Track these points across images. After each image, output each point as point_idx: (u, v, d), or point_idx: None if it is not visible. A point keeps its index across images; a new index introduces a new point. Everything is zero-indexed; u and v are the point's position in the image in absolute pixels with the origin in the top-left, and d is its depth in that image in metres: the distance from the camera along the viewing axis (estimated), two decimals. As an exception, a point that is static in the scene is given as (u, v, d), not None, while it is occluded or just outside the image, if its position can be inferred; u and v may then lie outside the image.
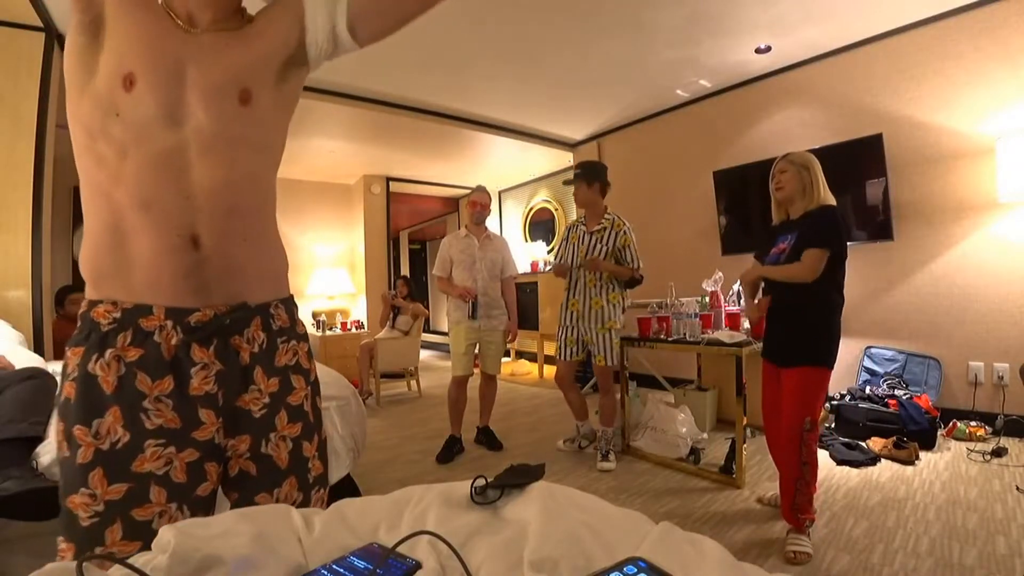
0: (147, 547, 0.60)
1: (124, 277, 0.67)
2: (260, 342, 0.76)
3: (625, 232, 2.68)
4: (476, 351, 2.97)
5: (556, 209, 6.19)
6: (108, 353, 0.66)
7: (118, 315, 0.67)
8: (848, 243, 1.78)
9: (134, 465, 0.65)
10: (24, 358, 1.98)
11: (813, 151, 3.18)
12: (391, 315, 4.81)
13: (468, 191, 7.06)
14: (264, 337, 0.76)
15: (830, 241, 1.70)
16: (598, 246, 2.70)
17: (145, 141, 0.66)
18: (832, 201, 1.80)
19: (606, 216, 2.75)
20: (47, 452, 1.33)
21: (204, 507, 0.71)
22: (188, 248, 0.68)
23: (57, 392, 0.69)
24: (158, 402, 0.67)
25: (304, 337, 0.85)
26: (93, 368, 0.66)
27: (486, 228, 3.09)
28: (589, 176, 2.76)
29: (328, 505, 0.70)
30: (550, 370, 4.98)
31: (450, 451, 2.86)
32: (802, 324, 1.78)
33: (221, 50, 0.72)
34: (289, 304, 0.83)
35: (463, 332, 2.91)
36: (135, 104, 0.65)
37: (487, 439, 3.03)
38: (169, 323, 0.68)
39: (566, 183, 2.88)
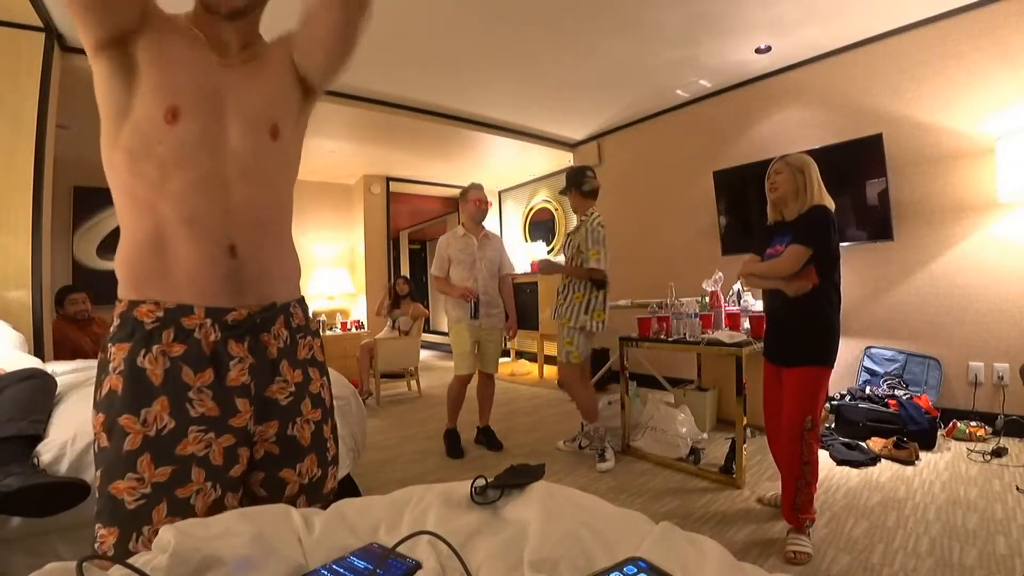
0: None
1: (166, 280, 0.75)
2: (284, 338, 0.85)
3: (587, 228, 2.66)
4: (476, 350, 2.98)
5: (556, 209, 6.19)
6: (155, 348, 0.73)
7: (161, 314, 0.74)
8: (841, 244, 1.79)
9: (178, 449, 0.72)
10: (24, 363, 1.98)
11: (813, 151, 3.21)
12: (389, 306, 4.80)
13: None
14: (287, 334, 0.85)
15: (815, 240, 1.71)
16: (569, 247, 2.76)
17: (188, 165, 0.74)
18: (828, 202, 1.80)
19: (583, 216, 2.76)
20: (48, 450, 1.33)
21: (234, 487, 0.78)
22: (226, 256, 0.77)
23: (96, 386, 0.75)
24: (200, 392, 0.74)
25: (317, 333, 0.94)
26: (142, 362, 0.73)
27: (483, 227, 3.08)
28: (569, 183, 2.82)
29: (333, 495, 0.75)
30: (550, 370, 4.98)
31: (456, 445, 2.90)
32: (801, 324, 1.79)
33: (252, 85, 0.81)
34: (303, 304, 0.93)
35: (466, 331, 2.91)
36: (179, 135, 0.73)
37: (487, 439, 3.03)
38: (208, 321, 0.76)
39: (562, 193, 2.90)
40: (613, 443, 2.87)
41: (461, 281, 2.92)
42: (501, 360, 3.17)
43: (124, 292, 0.76)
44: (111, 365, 0.74)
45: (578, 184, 2.78)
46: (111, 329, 0.76)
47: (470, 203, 3.01)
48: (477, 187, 3.06)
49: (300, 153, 0.93)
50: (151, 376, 0.72)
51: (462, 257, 2.95)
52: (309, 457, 0.86)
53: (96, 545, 0.71)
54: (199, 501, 0.72)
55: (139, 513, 0.69)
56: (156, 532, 0.64)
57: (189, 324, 0.75)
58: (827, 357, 1.76)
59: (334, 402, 1.83)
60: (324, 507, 0.72)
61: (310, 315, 0.94)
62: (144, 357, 0.73)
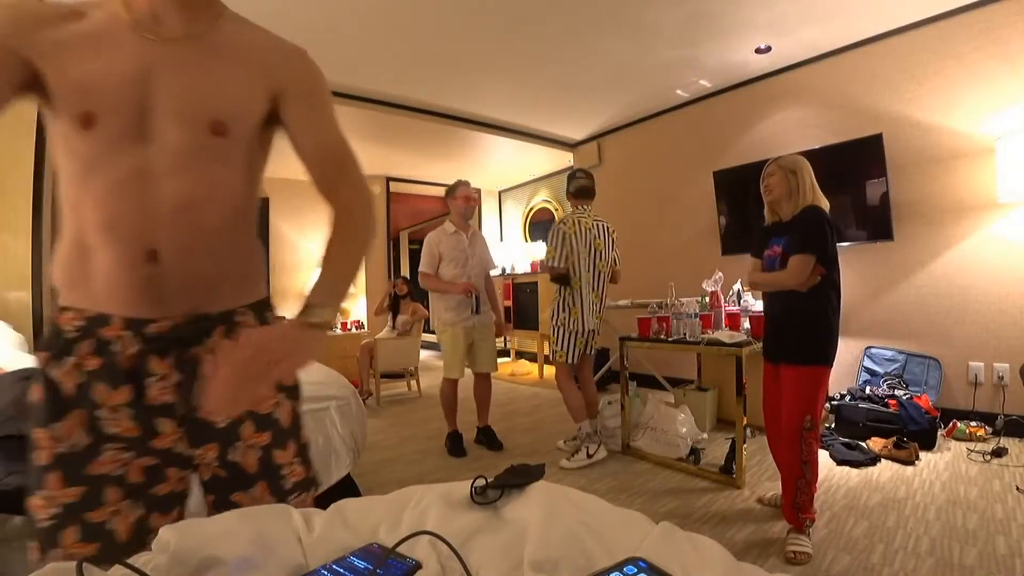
0: (103, 548, 0.66)
1: (88, 287, 0.68)
2: None
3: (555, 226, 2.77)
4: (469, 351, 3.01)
5: (556, 209, 6.20)
6: (69, 361, 0.67)
7: (82, 323, 0.68)
8: (841, 244, 1.80)
9: (89, 468, 0.66)
10: (24, 362, 1.98)
11: (813, 151, 3.21)
12: (389, 307, 4.80)
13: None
14: None
15: (814, 246, 1.72)
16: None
17: (107, 167, 0.66)
18: (822, 203, 1.81)
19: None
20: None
21: (163, 507, 0.71)
22: (146, 262, 0.67)
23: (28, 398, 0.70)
24: (115, 412, 0.68)
25: None
26: (55, 374, 0.67)
27: (470, 224, 3.05)
28: (568, 191, 2.89)
29: (321, 506, 0.70)
30: (550, 370, 4.98)
31: (459, 445, 2.92)
32: (800, 323, 1.79)
33: (190, 69, 0.69)
34: (260, 308, 0.81)
35: (461, 334, 2.91)
36: (97, 137, 0.65)
37: (487, 439, 3.03)
38: (127, 333, 0.68)
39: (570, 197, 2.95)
40: (612, 443, 2.88)
41: (453, 279, 2.89)
42: (501, 360, 3.19)
43: (59, 297, 0.71)
44: (36, 375, 0.69)
45: (567, 185, 2.88)
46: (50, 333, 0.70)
47: (459, 200, 2.96)
48: (465, 184, 3.01)
49: (265, 159, 0.82)
50: (63, 389, 0.67)
51: (454, 255, 2.91)
52: (259, 485, 0.76)
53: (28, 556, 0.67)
54: (119, 524, 0.66)
55: (49, 533, 0.65)
56: (69, 556, 0.62)
57: (107, 335, 0.67)
58: (826, 357, 1.77)
59: (333, 403, 1.78)
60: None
61: (270, 319, 0.83)
62: (58, 369, 0.67)
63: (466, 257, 2.92)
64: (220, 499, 0.76)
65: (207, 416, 0.62)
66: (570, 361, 2.75)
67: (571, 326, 2.71)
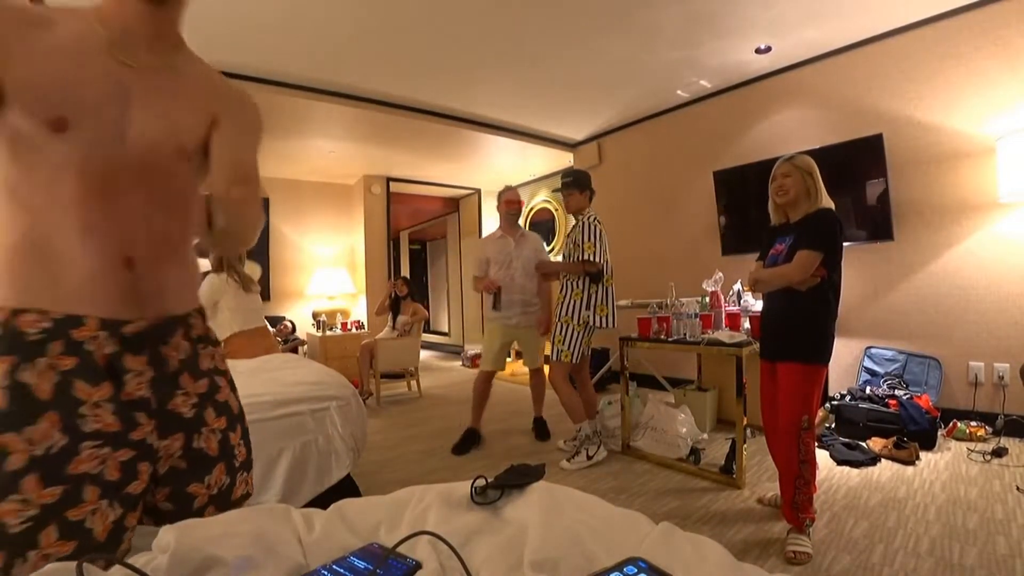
0: (82, 545, 0.67)
1: (54, 289, 0.69)
2: (185, 349, 0.82)
3: (582, 224, 2.72)
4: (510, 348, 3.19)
5: (556, 209, 6.20)
6: (41, 362, 0.67)
7: (48, 325, 0.68)
8: (845, 244, 1.79)
9: (69, 467, 0.67)
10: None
11: (813, 151, 3.20)
12: (389, 308, 4.80)
13: (468, 191, 7.08)
14: (188, 345, 0.83)
15: (824, 243, 1.72)
16: (568, 246, 2.82)
17: (81, 173, 0.68)
18: (830, 204, 1.81)
19: (579, 216, 2.82)
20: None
21: (133, 506, 0.73)
22: (123, 269, 0.72)
23: None
24: (96, 407, 0.70)
25: (217, 342, 0.92)
26: (25, 377, 0.67)
27: (520, 227, 3.23)
28: (581, 184, 2.86)
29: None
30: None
31: (466, 443, 2.97)
32: (796, 322, 1.79)
33: (165, 99, 0.76)
34: (202, 313, 0.90)
35: (498, 330, 3.07)
36: (70, 142, 0.67)
37: (538, 429, 3.18)
38: (103, 333, 0.71)
39: (556, 191, 2.97)
40: (612, 443, 2.88)
41: (498, 280, 3.06)
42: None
43: (2, 298, 0.69)
44: (16, 379, 0.67)
45: (588, 184, 2.86)
46: None
47: (501, 204, 3.18)
48: (507, 189, 3.21)
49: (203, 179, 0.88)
50: (36, 392, 0.67)
51: (500, 258, 3.09)
52: (217, 467, 0.84)
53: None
54: (96, 523, 0.68)
55: (25, 536, 0.64)
56: (45, 557, 0.63)
57: (79, 336, 0.69)
58: (821, 355, 1.77)
59: (333, 403, 1.80)
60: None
61: (207, 324, 0.91)
62: (27, 371, 0.67)
63: (510, 259, 3.07)
64: (176, 490, 0.79)
65: (216, 190, 0.73)
66: (574, 361, 2.75)
67: (596, 323, 2.70)
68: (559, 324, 2.76)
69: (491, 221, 7.21)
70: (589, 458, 2.63)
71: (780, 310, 1.87)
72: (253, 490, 0.93)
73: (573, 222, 2.89)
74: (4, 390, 0.66)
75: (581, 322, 2.69)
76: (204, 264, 2.90)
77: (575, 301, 2.72)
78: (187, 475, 0.80)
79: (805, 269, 1.72)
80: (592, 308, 2.69)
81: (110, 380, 0.71)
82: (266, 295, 5.37)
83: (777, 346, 1.87)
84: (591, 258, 2.64)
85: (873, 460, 2.44)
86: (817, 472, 1.86)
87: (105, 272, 0.71)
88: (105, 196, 0.70)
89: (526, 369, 3.30)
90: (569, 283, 2.78)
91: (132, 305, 0.73)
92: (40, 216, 0.68)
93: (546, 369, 3.03)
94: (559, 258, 3.24)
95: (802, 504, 1.74)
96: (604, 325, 2.72)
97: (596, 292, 2.71)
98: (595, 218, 2.75)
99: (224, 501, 0.84)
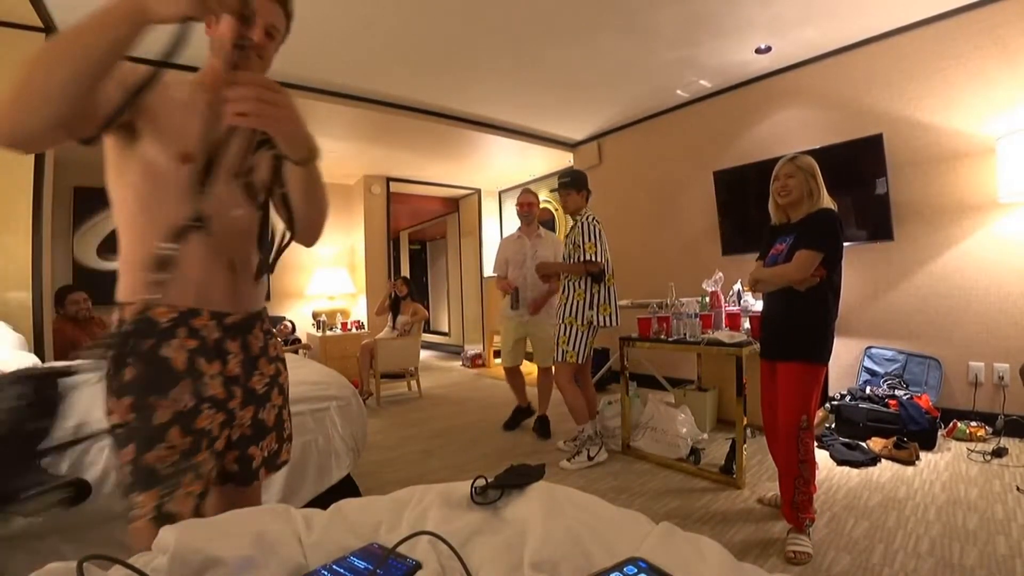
0: (203, 490, 0.88)
1: (177, 287, 0.86)
2: (261, 339, 1.02)
3: (582, 225, 2.73)
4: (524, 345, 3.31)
5: (556, 209, 6.20)
6: (175, 342, 0.87)
7: (175, 315, 0.87)
8: (845, 244, 1.79)
9: (195, 423, 0.87)
10: (24, 362, 1.98)
11: (813, 151, 3.20)
12: (389, 308, 4.80)
13: (468, 191, 7.08)
14: (262, 335, 1.03)
15: (825, 244, 1.72)
16: (568, 246, 2.82)
17: (197, 194, 0.86)
18: (831, 204, 1.81)
19: (576, 216, 2.82)
20: (47, 452, 1.33)
21: (219, 459, 0.93)
22: (229, 271, 0.94)
23: (113, 375, 0.84)
24: (212, 379, 0.91)
25: (274, 336, 1.12)
26: (165, 352, 0.86)
27: (538, 227, 3.37)
28: (578, 184, 2.86)
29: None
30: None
31: (516, 419, 3.36)
32: (795, 322, 1.79)
33: (239, 142, 0.94)
34: (266, 313, 1.11)
35: (511, 327, 3.28)
36: (189, 172, 0.85)
37: (540, 427, 3.21)
38: (212, 323, 0.91)
39: (554, 191, 2.95)
40: (612, 443, 2.88)
41: (514, 279, 3.25)
42: (501, 361, 3.29)
43: (136, 294, 0.85)
44: (132, 356, 0.84)
45: (585, 184, 2.86)
46: (118, 326, 0.85)
47: (516, 207, 3.38)
48: (523, 191, 3.39)
49: None
50: (174, 364, 0.86)
51: (516, 258, 3.28)
52: (271, 435, 1.03)
53: (136, 511, 0.83)
54: (205, 469, 0.88)
55: (172, 477, 0.83)
56: (188, 495, 0.84)
57: (197, 324, 0.89)
58: (820, 355, 1.77)
59: (333, 403, 1.89)
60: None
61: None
62: (167, 348, 0.86)
63: (525, 259, 3.24)
64: (242, 454, 0.99)
65: (231, 107, 0.76)
66: (580, 361, 2.75)
67: (600, 322, 2.71)
68: (563, 325, 2.75)
69: (491, 221, 7.21)
70: (590, 459, 2.63)
71: (780, 310, 1.87)
72: (291, 459, 1.13)
73: (571, 222, 2.89)
74: (146, 362, 0.84)
75: (585, 322, 2.70)
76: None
77: (578, 302, 2.73)
78: (250, 440, 0.99)
79: (804, 269, 1.72)
80: (595, 308, 2.70)
81: (219, 359, 0.92)
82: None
83: (777, 346, 1.87)
84: (593, 258, 2.65)
85: (873, 460, 2.44)
86: (817, 472, 1.86)
87: (215, 275, 0.92)
88: (217, 213, 0.89)
89: (526, 369, 3.32)
90: (571, 284, 2.77)
91: (231, 301, 0.94)
92: (166, 228, 0.84)
93: (530, 368, 3.07)
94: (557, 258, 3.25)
95: (802, 504, 1.74)
96: (608, 324, 2.73)
97: (598, 292, 2.72)
98: (593, 218, 2.76)
99: (272, 464, 1.05)
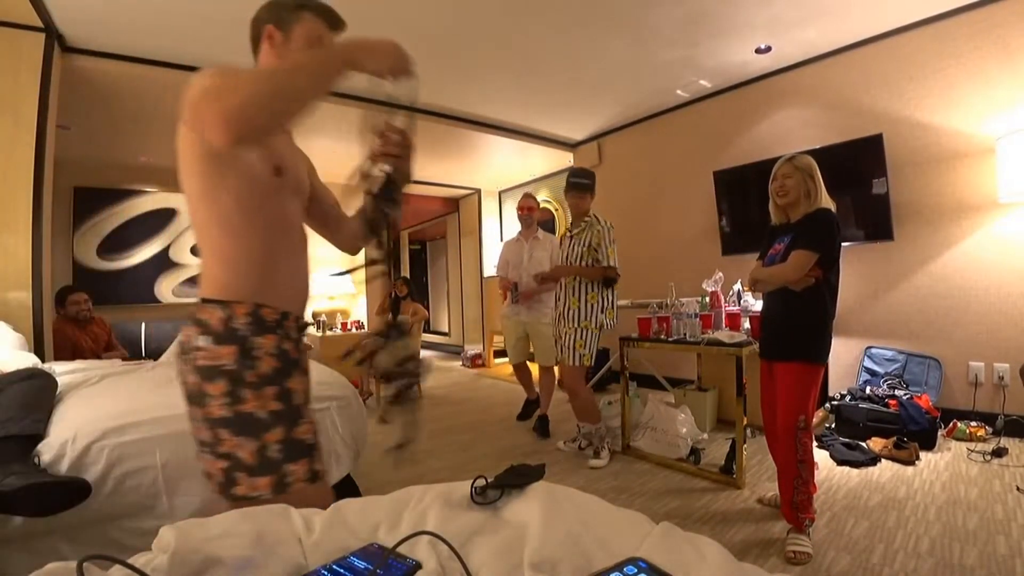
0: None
1: (274, 292, 1.00)
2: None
3: (599, 230, 2.69)
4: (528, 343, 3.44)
5: (556, 209, 6.19)
6: (285, 339, 1.01)
7: (276, 316, 0.99)
8: (844, 244, 1.79)
9: (308, 405, 1.03)
10: (24, 362, 1.98)
11: (813, 151, 3.21)
12: (389, 308, 4.80)
13: (468, 191, 7.08)
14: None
15: (820, 244, 1.72)
16: (576, 248, 2.77)
17: (288, 208, 1.05)
18: (830, 204, 1.81)
19: (585, 218, 2.78)
20: (48, 450, 1.33)
21: None
22: (305, 279, 1.10)
23: (248, 368, 0.93)
24: (304, 373, 1.06)
25: None
26: (284, 346, 0.99)
27: (537, 229, 3.48)
28: (594, 184, 2.84)
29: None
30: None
31: (527, 411, 3.52)
32: (794, 321, 1.80)
33: (300, 163, 1.14)
34: None
35: (511, 326, 3.42)
36: (282, 184, 1.02)
37: (541, 426, 3.23)
38: (294, 325, 1.05)
39: (568, 192, 2.83)
40: (612, 443, 2.88)
41: (513, 279, 3.39)
42: (501, 360, 3.30)
43: (243, 295, 0.95)
44: (261, 350, 0.95)
45: (592, 185, 2.82)
46: (228, 323, 0.93)
47: (517, 210, 3.53)
48: (524, 195, 3.55)
49: None
50: (291, 354, 1.01)
51: (514, 259, 3.44)
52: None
53: (289, 479, 0.92)
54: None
55: (314, 445, 0.99)
56: (321, 463, 1.00)
57: (288, 325, 1.02)
58: (817, 356, 1.78)
59: (334, 403, 1.94)
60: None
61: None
62: (283, 344, 1.00)
63: (521, 260, 3.40)
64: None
65: (385, 147, 1.10)
66: (591, 363, 2.76)
67: (609, 326, 2.74)
68: (579, 329, 2.70)
69: (491, 221, 7.21)
70: (600, 455, 2.64)
71: (778, 310, 1.87)
72: None
73: (573, 221, 2.87)
74: (276, 355, 0.97)
75: (598, 326, 2.71)
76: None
77: (592, 305, 2.71)
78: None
79: (799, 269, 1.73)
80: (606, 312, 2.73)
81: (299, 355, 1.05)
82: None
83: (775, 346, 1.87)
84: (613, 263, 2.67)
85: (873, 460, 2.44)
86: (817, 472, 1.86)
87: (298, 281, 1.07)
88: (299, 223, 1.08)
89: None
90: (584, 287, 2.73)
91: (301, 306, 1.08)
92: (268, 240, 0.99)
93: (555, 371, 3.07)
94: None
95: (801, 504, 1.74)
96: (611, 326, 2.76)
97: (608, 296, 2.74)
98: (606, 222, 2.73)
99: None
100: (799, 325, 1.78)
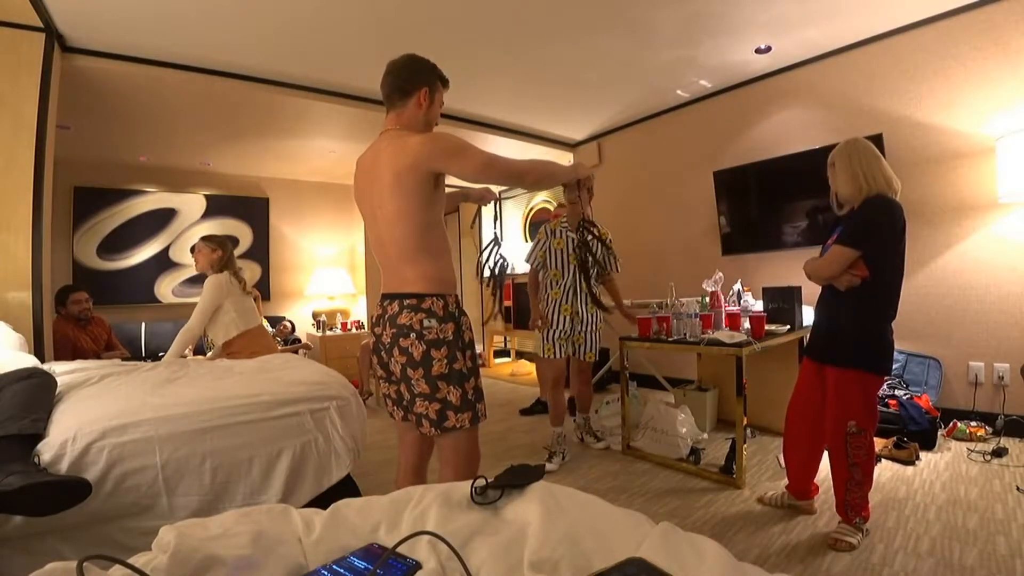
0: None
1: (453, 285, 1.42)
2: None
3: (607, 240, 2.85)
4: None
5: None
6: (465, 320, 1.43)
7: (456, 303, 1.41)
8: (903, 243, 1.66)
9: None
10: (23, 362, 1.98)
11: (813, 151, 3.21)
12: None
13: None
14: None
15: (857, 240, 1.63)
16: (581, 249, 2.80)
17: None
18: (887, 188, 1.67)
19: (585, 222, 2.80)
20: (48, 449, 1.33)
21: None
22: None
23: (461, 339, 1.39)
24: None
25: None
26: (463, 324, 1.41)
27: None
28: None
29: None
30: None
31: (532, 408, 3.76)
32: (839, 323, 1.75)
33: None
34: None
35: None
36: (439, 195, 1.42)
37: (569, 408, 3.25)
38: (458, 309, 1.42)
39: (568, 191, 2.83)
40: (613, 443, 2.88)
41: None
42: (501, 360, 3.27)
43: (448, 289, 1.38)
44: (464, 326, 1.41)
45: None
46: (446, 308, 1.36)
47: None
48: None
49: None
50: (465, 335, 1.41)
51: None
52: None
53: (483, 416, 1.43)
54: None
55: (483, 394, 1.44)
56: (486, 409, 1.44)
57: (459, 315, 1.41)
58: (870, 364, 1.70)
59: (333, 403, 1.92)
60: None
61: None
62: (464, 320, 1.42)
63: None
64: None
65: (587, 199, 1.76)
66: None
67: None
68: (595, 330, 2.82)
69: (491, 221, 7.20)
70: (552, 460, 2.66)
71: (820, 309, 1.83)
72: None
73: (551, 224, 2.91)
74: (469, 329, 1.44)
75: (599, 326, 2.88)
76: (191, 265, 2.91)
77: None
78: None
79: (831, 265, 1.67)
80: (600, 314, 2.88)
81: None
82: (266, 295, 5.37)
83: (821, 347, 1.82)
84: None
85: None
86: (873, 473, 1.78)
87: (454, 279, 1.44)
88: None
89: (526, 369, 3.32)
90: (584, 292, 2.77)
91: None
92: (449, 251, 1.42)
93: (529, 368, 3.06)
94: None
95: (854, 504, 1.72)
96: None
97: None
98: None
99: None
100: (843, 328, 1.72)
